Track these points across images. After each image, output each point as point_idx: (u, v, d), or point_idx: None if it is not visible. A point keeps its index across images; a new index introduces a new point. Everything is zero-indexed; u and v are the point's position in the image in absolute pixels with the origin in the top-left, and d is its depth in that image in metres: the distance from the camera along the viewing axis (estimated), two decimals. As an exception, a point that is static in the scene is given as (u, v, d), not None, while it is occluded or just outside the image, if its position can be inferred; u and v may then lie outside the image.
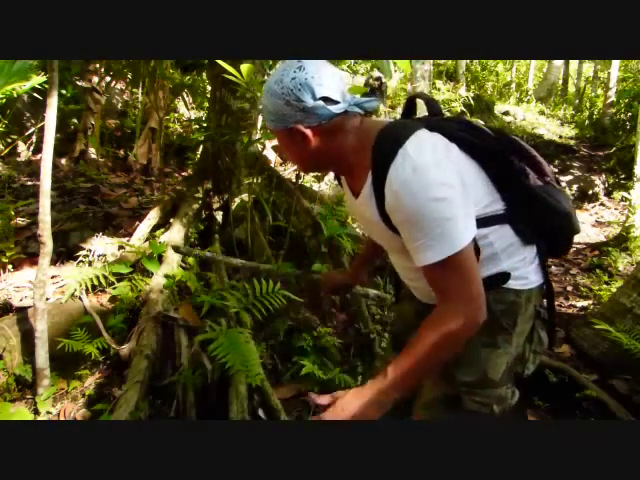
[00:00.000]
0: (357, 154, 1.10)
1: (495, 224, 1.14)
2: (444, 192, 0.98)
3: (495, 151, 1.16)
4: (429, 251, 1.00)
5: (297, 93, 1.02)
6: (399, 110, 7.94)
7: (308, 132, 1.07)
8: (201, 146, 3.83)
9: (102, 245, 2.72)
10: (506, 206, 1.17)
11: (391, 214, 1.06)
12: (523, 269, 1.19)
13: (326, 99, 1.04)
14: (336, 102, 1.05)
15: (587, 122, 10.13)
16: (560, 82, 12.83)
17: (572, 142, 8.64)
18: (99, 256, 2.66)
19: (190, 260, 2.64)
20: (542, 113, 10.71)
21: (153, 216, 2.92)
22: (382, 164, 1.03)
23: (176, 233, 2.72)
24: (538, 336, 1.27)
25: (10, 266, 2.54)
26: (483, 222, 1.11)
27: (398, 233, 1.08)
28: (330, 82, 1.04)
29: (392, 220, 1.07)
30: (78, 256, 2.64)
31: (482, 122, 1.41)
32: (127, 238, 2.80)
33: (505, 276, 1.17)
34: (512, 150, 1.20)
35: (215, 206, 3.12)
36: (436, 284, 1.06)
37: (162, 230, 2.90)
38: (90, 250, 2.68)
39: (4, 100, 3.48)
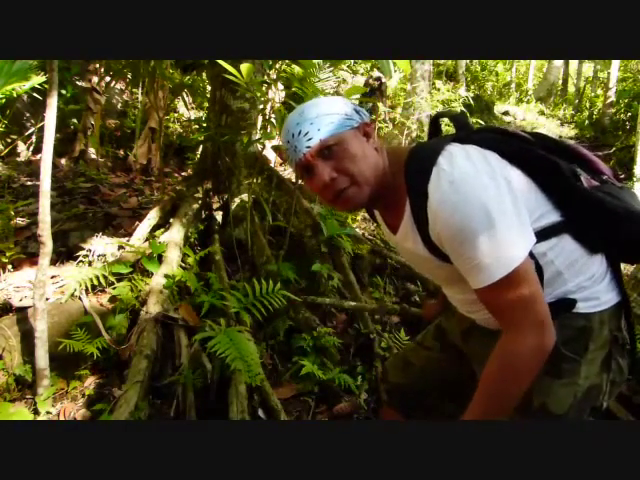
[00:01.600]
0: (389, 177, 1.04)
1: (552, 237, 1.02)
2: (489, 201, 0.90)
3: (537, 156, 1.05)
4: (483, 272, 0.91)
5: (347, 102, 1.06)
6: (399, 110, 7.94)
7: (371, 130, 1.04)
8: (201, 146, 3.83)
9: (102, 245, 2.71)
10: (562, 215, 1.04)
11: (438, 239, 0.98)
12: (593, 288, 1.05)
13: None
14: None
15: (587, 122, 10.16)
16: (560, 82, 12.84)
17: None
18: (99, 256, 2.66)
19: (190, 260, 2.64)
20: (542, 113, 10.74)
21: (153, 216, 2.92)
22: (418, 187, 0.96)
23: (176, 233, 2.72)
24: (617, 365, 1.09)
25: (10, 266, 2.54)
26: (539, 236, 1.00)
27: (447, 261, 1.00)
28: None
29: (441, 245, 0.99)
30: (78, 256, 2.64)
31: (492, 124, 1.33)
32: (127, 238, 2.80)
33: (571, 303, 1.04)
34: (557, 152, 1.08)
35: (215, 206, 3.12)
36: (495, 308, 0.96)
37: (162, 230, 2.90)
38: (90, 250, 2.68)
39: (4, 100, 3.48)
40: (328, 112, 1.00)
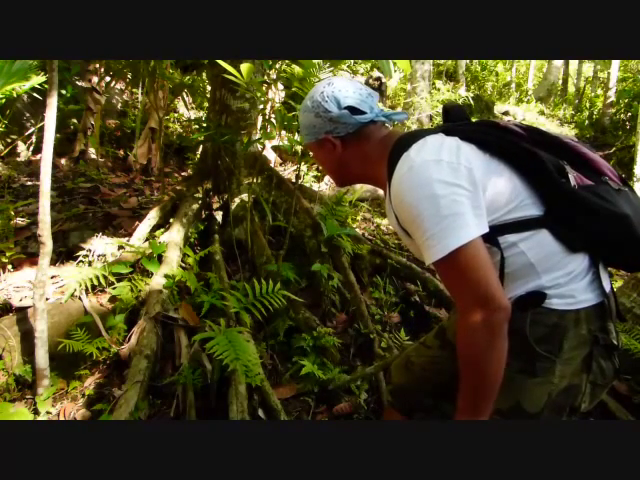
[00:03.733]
0: (378, 163, 1.14)
1: (527, 230, 1.04)
2: (441, 189, 0.96)
3: (520, 149, 1.07)
4: (431, 249, 0.97)
5: (324, 104, 1.12)
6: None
7: (336, 142, 1.15)
8: (201, 146, 3.83)
9: (102, 245, 2.71)
10: (544, 210, 1.05)
11: (398, 217, 1.07)
12: (569, 285, 1.04)
13: (352, 109, 1.11)
14: (362, 112, 1.12)
15: (587, 122, 10.16)
16: (560, 82, 12.84)
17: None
18: (99, 256, 2.66)
19: (190, 260, 2.64)
20: (542, 113, 10.74)
21: (153, 216, 2.92)
22: (390, 169, 1.07)
23: (176, 233, 2.72)
24: (599, 366, 1.07)
25: (10, 266, 2.54)
26: (511, 227, 1.03)
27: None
28: (356, 95, 1.12)
29: (402, 222, 1.07)
30: (78, 256, 2.64)
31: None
32: (127, 238, 2.80)
33: (540, 296, 1.04)
34: (547, 147, 1.09)
35: (215, 206, 3.12)
36: (445, 284, 1.03)
37: (162, 230, 2.90)
38: (90, 250, 2.68)
39: (4, 100, 3.48)
40: (302, 123, 1.21)
